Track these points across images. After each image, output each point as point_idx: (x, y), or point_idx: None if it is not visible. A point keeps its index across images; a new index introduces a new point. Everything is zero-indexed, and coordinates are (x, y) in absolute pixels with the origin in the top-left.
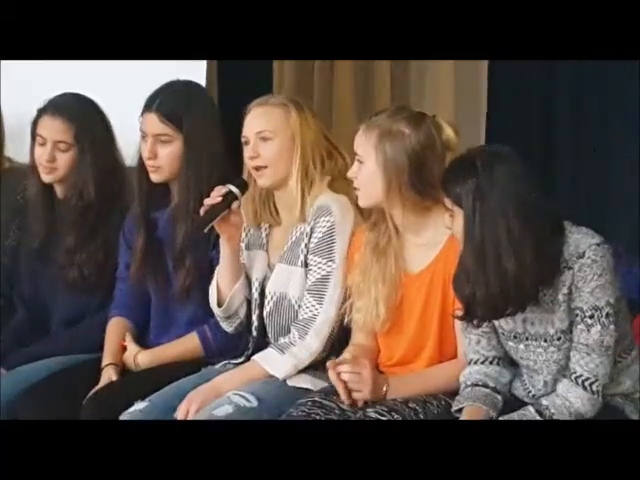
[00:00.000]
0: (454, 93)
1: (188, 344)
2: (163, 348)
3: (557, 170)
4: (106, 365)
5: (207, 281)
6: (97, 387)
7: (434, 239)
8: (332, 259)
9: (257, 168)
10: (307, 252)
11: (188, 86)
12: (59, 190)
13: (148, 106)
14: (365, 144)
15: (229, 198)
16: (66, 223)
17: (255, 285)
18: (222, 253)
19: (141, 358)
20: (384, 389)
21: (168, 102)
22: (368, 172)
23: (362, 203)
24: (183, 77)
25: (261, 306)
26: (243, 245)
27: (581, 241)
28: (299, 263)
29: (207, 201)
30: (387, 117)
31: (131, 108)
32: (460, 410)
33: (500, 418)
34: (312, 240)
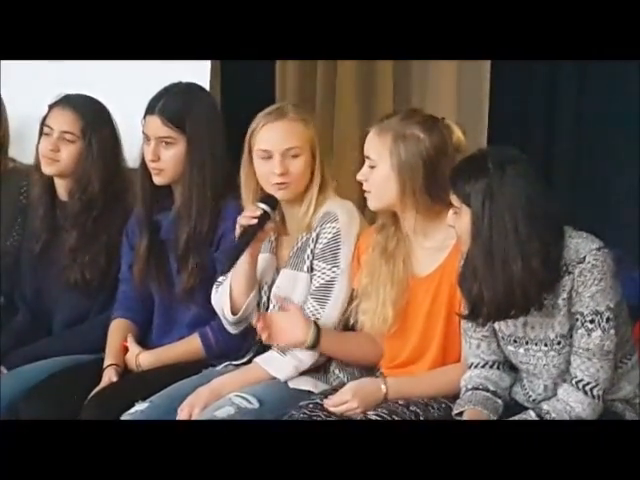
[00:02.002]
0: (456, 94)
1: (190, 345)
2: (165, 349)
3: (558, 172)
4: (107, 366)
5: (210, 283)
6: (98, 388)
7: (443, 243)
8: (337, 265)
9: (284, 182)
10: (313, 258)
11: (190, 88)
12: (62, 187)
13: (151, 109)
14: (378, 147)
15: (263, 218)
16: (69, 220)
17: (264, 289)
18: (242, 262)
19: (143, 359)
20: (383, 390)
21: (171, 105)
22: (382, 175)
23: (373, 206)
24: (186, 78)
25: (267, 309)
26: None
27: (581, 246)
28: (305, 268)
29: (242, 221)
30: (400, 120)
31: (134, 110)
32: (460, 414)
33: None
34: (317, 246)
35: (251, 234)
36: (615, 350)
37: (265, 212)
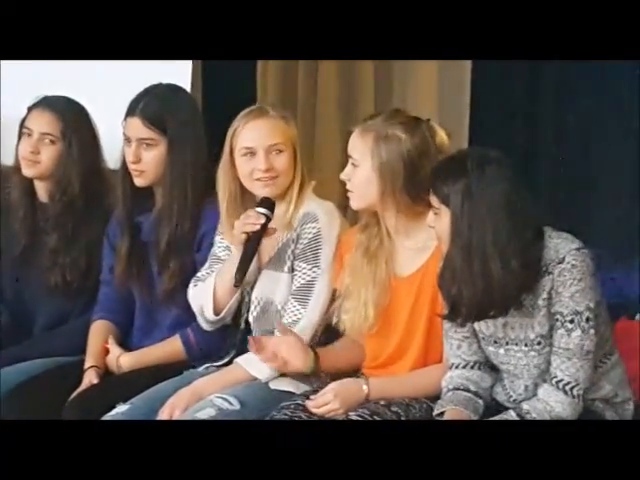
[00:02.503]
0: (437, 94)
1: (171, 347)
2: (146, 351)
3: (539, 172)
4: (88, 368)
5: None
6: (79, 389)
7: (425, 243)
8: (317, 265)
9: (269, 178)
10: (293, 258)
11: (171, 90)
12: (42, 190)
13: (132, 110)
14: (361, 147)
15: (265, 222)
16: (49, 222)
17: (247, 289)
18: (230, 262)
19: (124, 361)
20: (364, 390)
21: (152, 106)
22: (363, 175)
23: (355, 205)
24: (167, 79)
25: (248, 313)
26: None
27: (560, 246)
28: (285, 269)
29: (246, 229)
30: (383, 121)
31: (114, 111)
32: (441, 414)
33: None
34: (298, 246)
35: (256, 240)
36: (595, 350)
37: (266, 216)
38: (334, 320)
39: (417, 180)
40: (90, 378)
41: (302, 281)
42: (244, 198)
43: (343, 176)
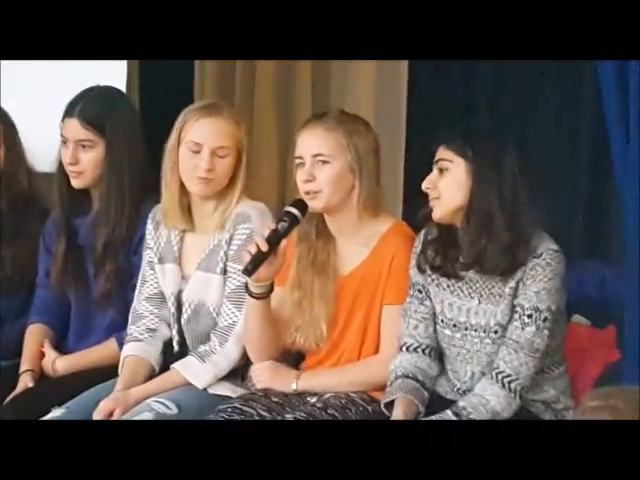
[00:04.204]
0: (374, 93)
1: (106, 350)
2: (82, 354)
3: None
4: (23, 372)
5: (126, 287)
6: (14, 393)
7: (368, 240)
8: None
9: (207, 179)
10: (226, 259)
11: (109, 91)
12: None
13: (70, 111)
14: (332, 144)
15: (293, 222)
16: None
17: (171, 300)
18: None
19: (59, 364)
20: (292, 387)
21: (90, 107)
22: (336, 171)
23: (320, 205)
24: (103, 79)
25: (179, 319)
26: (156, 259)
27: (540, 242)
28: (218, 270)
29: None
30: (342, 116)
31: (48, 112)
32: (391, 402)
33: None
34: (232, 247)
35: (279, 238)
36: (544, 352)
37: (296, 217)
38: (288, 340)
39: (378, 175)
40: (25, 382)
41: (237, 283)
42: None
43: (307, 177)
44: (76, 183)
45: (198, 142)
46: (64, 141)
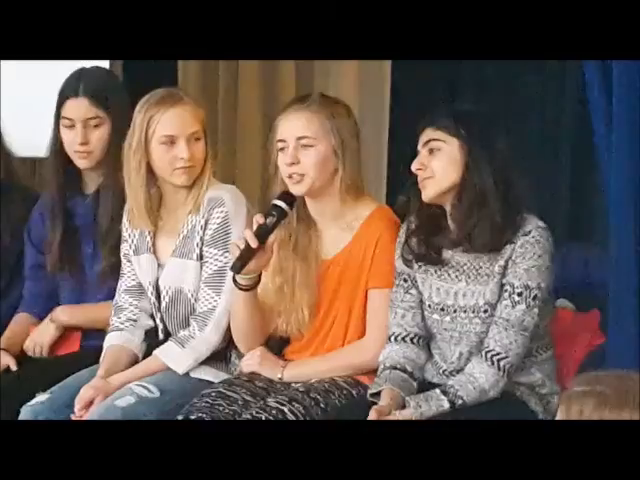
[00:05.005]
0: (358, 93)
1: (106, 310)
2: (82, 306)
3: None
4: None
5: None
6: None
7: (350, 224)
8: (228, 250)
9: (189, 167)
10: (202, 245)
11: (99, 69)
12: None
13: (71, 92)
14: (317, 127)
15: (281, 215)
16: None
17: (150, 289)
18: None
19: (60, 310)
20: (279, 370)
21: (93, 85)
22: (321, 155)
23: (303, 189)
24: None
25: (160, 308)
26: (131, 251)
27: (529, 221)
28: (194, 256)
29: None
30: (324, 99)
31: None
32: (377, 393)
33: (406, 399)
34: (207, 232)
35: (267, 233)
36: (533, 331)
37: (284, 211)
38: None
39: (360, 157)
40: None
41: (214, 267)
42: (149, 189)
43: (292, 159)
44: (83, 163)
45: (171, 134)
46: (69, 124)
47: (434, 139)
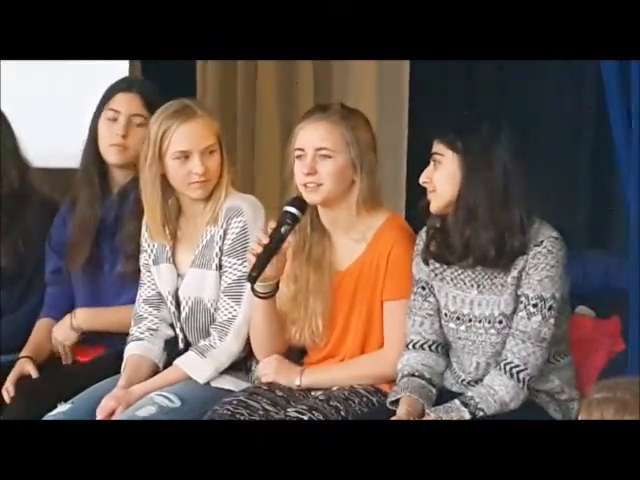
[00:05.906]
0: (376, 93)
1: (126, 313)
2: (102, 310)
3: None
4: (22, 357)
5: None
6: (11, 378)
7: (364, 234)
8: (247, 259)
9: (204, 181)
10: (221, 254)
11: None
12: None
13: (124, 88)
14: (336, 138)
15: (294, 222)
16: None
17: (169, 299)
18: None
19: (80, 314)
20: (297, 376)
21: (147, 89)
22: (339, 167)
23: (319, 198)
24: (105, 78)
25: (180, 317)
26: (150, 261)
27: (541, 231)
28: (213, 266)
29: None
30: (345, 110)
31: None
32: (397, 401)
33: (427, 410)
34: (226, 242)
35: (280, 240)
36: (550, 341)
37: (296, 217)
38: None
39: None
40: (22, 367)
41: (233, 277)
42: (166, 201)
43: (309, 169)
44: (118, 159)
45: (185, 150)
46: (113, 116)
47: (436, 152)
